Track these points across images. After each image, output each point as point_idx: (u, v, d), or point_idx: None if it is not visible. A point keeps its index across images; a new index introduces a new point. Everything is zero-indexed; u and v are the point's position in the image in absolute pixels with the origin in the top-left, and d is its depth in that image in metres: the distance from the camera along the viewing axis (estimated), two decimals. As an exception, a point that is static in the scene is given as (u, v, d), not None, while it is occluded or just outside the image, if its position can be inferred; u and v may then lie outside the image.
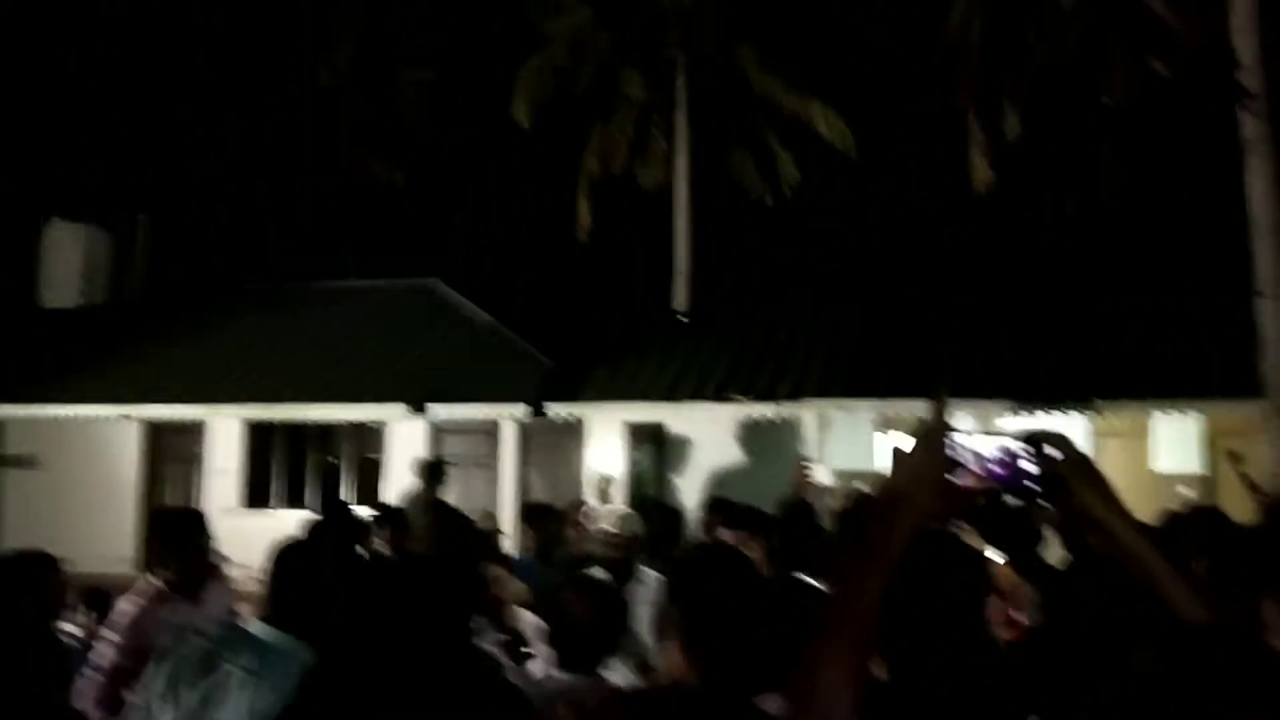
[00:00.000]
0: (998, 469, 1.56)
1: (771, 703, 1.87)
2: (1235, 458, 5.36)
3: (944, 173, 16.76)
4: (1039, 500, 1.59)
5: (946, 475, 1.55)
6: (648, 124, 18.82)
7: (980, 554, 4.44)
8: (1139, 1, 11.75)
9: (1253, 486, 4.94)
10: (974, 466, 1.56)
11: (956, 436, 1.56)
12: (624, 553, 6.29)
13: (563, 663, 3.01)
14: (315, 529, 4.71)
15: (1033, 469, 1.56)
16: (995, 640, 4.38)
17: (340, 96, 24.35)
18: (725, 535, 4.44)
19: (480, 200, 24.00)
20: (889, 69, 18.46)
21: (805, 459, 7.07)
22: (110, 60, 23.03)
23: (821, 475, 6.73)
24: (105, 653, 4.17)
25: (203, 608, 4.24)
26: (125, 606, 4.29)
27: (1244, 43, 11.00)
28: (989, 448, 1.57)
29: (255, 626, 2.86)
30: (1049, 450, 1.57)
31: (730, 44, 18.42)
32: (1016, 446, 1.57)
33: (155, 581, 4.30)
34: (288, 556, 2.94)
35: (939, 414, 1.62)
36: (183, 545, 4.33)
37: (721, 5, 18.44)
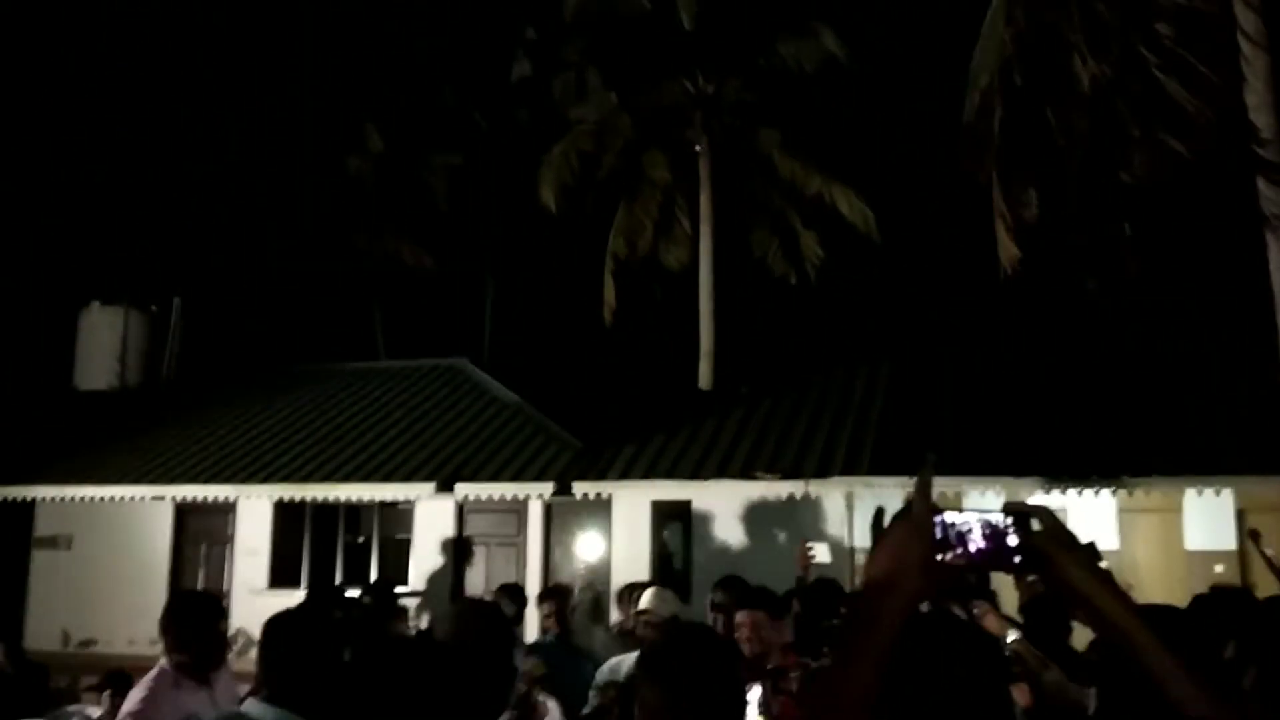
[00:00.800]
0: (982, 544, 1.54)
1: None
2: (1256, 536, 5.30)
3: (966, 252, 16.87)
4: (1024, 574, 1.57)
5: (931, 553, 1.52)
6: (672, 205, 19.08)
7: (992, 637, 4.44)
8: (1155, 82, 11.91)
9: (1275, 567, 4.89)
10: (958, 542, 1.53)
11: (940, 513, 1.54)
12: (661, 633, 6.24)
13: None
14: (304, 604, 4.76)
15: (1016, 543, 1.54)
16: None
17: (370, 182, 24.89)
18: (738, 615, 4.39)
19: (507, 282, 24.34)
20: (910, 150, 18.72)
21: (808, 539, 7.04)
22: (150, 148, 23.68)
23: (824, 555, 6.68)
24: None
25: (213, 691, 4.31)
26: (138, 691, 4.30)
27: (1261, 119, 11.12)
28: (973, 523, 1.54)
29: (252, 707, 2.93)
30: (1033, 524, 1.55)
31: (753, 127, 18.74)
32: (1000, 521, 1.55)
33: (167, 665, 4.32)
34: (276, 630, 3.04)
35: (923, 491, 1.57)
36: (197, 629, 4.35)
37: (743, 89, 18.81)
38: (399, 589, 13.92)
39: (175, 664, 4.27)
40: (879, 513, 1.71)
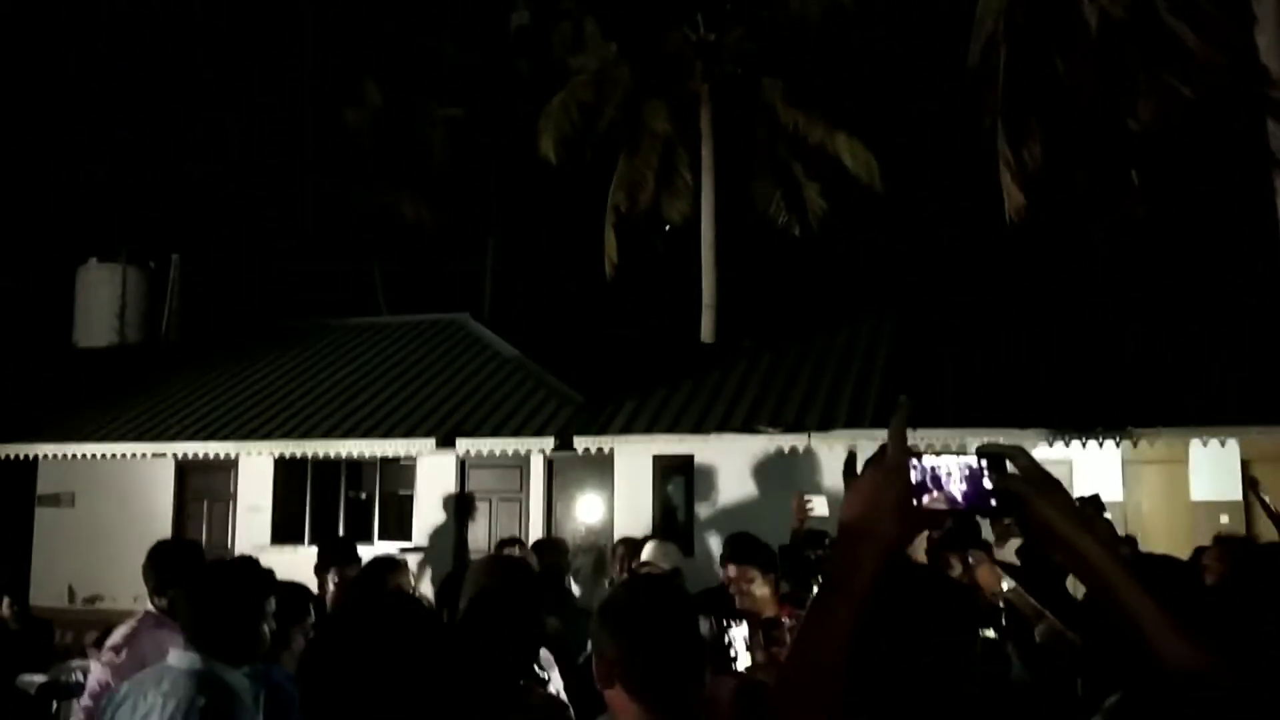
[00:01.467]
0: (959, 487, 1.50)
1: None
2: (1255, 484, 5.24)
3: (971, 201, 16.69)
4: (1001, 517, 1.52)
5: (907, 497, 1.48)
6: (673, 157, 18.88)
7: (969, 587, 4.40)
8: (1162, 25, 11.68)
9: (1273, 515, 4.83)
10: (934, 486, 1.50)
11: (917, 458, 1.51)
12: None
13: None
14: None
15: (992, 486, 1.51)
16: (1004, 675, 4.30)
17: (370, 135, 24.66)
18: (729, 569, 4.44)
19: (508, 235, 24.19)
20: (914, 97, 18.47)
21: (808, 492, 6.98)
22: (148, 105, 23.46)
23: (821, 508, 6.63)
24: (98, 675, 4.31)
25: None
26: (122, 628, 4.46)
27: (1272, 62, 10.92)
28: (950, 467, 1.51)
29: (175, 657, 3.14)
30: (1009, 466, 1.52)
31: (755, 76, 18.48)
32: (977, 464, 1.51)
33: (152, 608, 4.48)
34: (198, 581, 3.34)
35: (898, 435, 1.53)
36: (175, 574, 4.42)
37: (745, 38, 18.54)
38: (403, 545, 13.97)
39: (158, 608, 4.45)
40: (851, 457, 1.65)
